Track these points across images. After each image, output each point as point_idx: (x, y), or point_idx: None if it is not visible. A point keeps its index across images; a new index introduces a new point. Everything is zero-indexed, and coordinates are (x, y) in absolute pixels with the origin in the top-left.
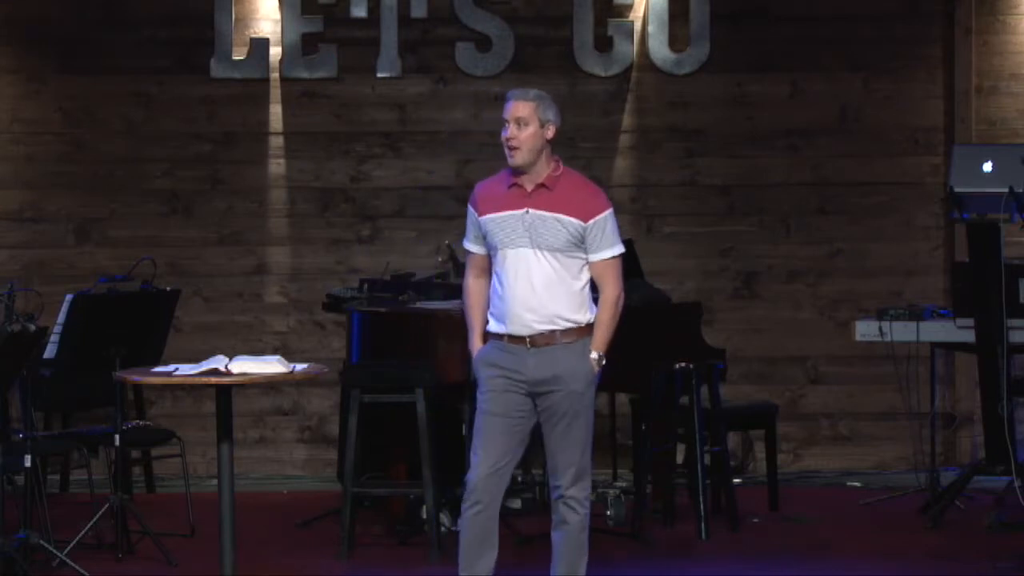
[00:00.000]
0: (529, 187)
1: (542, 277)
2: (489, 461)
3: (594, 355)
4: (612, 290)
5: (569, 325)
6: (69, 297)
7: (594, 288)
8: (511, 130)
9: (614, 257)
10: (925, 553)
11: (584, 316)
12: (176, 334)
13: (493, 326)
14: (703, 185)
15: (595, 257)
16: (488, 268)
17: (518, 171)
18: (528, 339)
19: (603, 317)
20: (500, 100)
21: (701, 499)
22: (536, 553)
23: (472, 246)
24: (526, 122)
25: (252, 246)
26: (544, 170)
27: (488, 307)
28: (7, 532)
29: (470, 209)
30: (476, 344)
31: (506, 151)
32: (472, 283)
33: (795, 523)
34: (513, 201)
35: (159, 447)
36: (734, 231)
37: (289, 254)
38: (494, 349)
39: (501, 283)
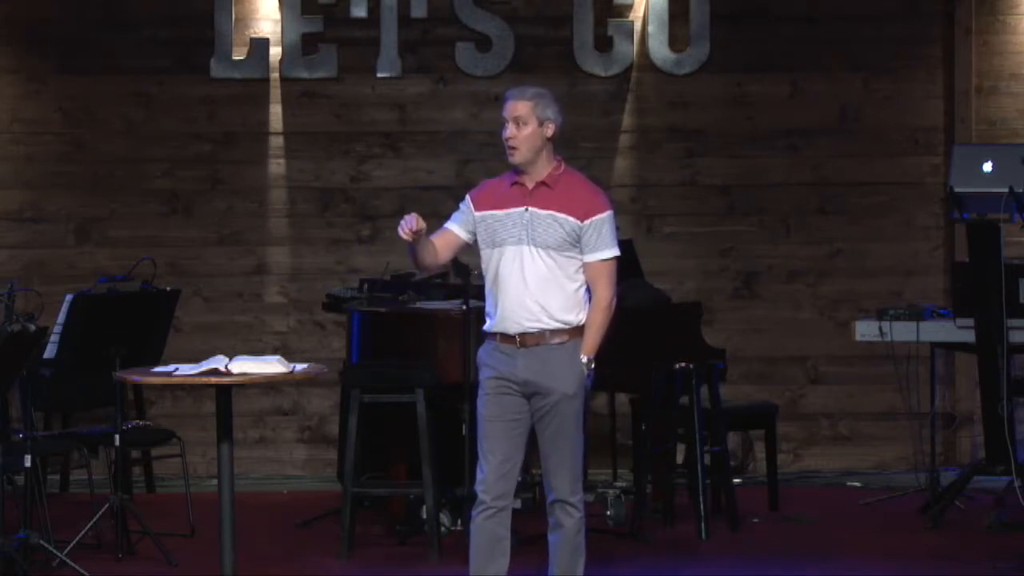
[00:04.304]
0: (530, 185)
1: (535, 274)
2: (494, 464)
3: (584, 359)
4: (605, 293)
5: (559, 325)
6: (69, 297)
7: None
8: (510, 129)
9: (609, 259)
10: (925, 553)
11: (576, 317)
12: (176, 334)
13: (488, 325)
14: (703, 185)
15: (590, 258)
16: (449, 247)
17: (520, 170)
18: (518, 338)
19: (594, 320)
20: (500, 100)
21: (701, 499)
22: (535, 553)
23: (452, 226)
24: (524, 121)
25: (252, 246)
26: (545, 168)
27: (433, 252)
28: (7, 532)
29: (467, 200)
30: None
31: (506, 150)
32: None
33: (795, 523)
34: (514, 199)
35: (159, 447)
36: (734, 231)
37: (289, 254)
38: (489, 350)
39: (496, 280)
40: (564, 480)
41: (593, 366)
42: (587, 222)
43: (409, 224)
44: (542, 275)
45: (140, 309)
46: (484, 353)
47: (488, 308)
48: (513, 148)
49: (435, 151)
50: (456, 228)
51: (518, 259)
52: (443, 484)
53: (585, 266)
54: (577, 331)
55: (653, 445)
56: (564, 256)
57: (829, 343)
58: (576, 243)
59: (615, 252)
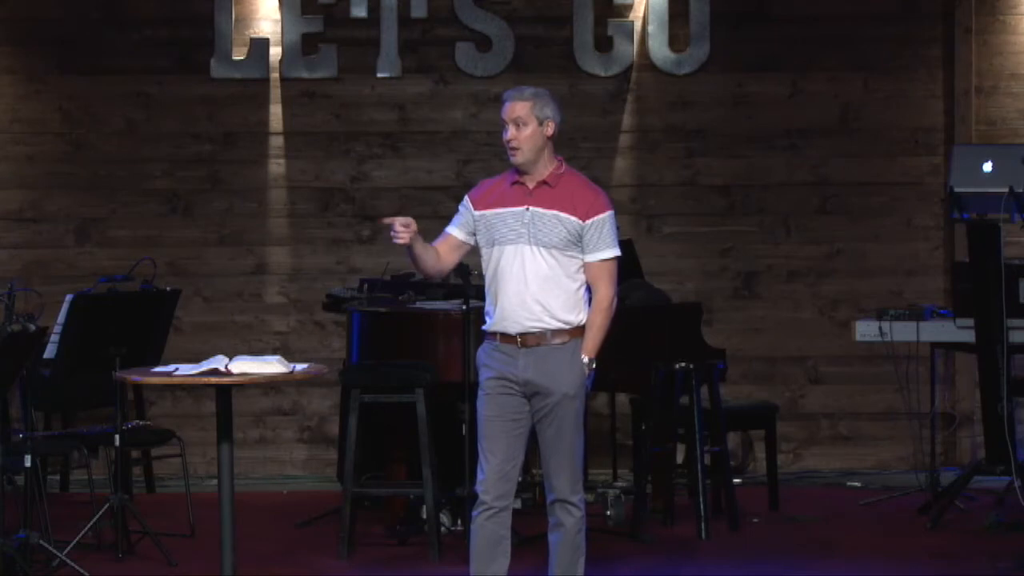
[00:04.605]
0: (531, 185)
1: (537, 274)
2: (495, 464)
3: (584, 359)
4: (605, 293)
5: (560, 325)
6: (69, 297)
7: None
8: (511, 131)
9: (610, 259)
10: (925, 553)
11: (577, 317)
12: (176, 334)
13: (487, 324)
14: (703, 185)
15: (591, 258)
16: (452, 251)
17: (521, 170)
18: (519, 338)
19: (595, 320)
20: (500, 100)
21: (701, 499)
22: (535, 553)
23: (452, 229)
24: (524, 122)
25: (252, 246)
26: (546, 168)
27: (435, 257)
28: (7, 532)
29: (466, 200)
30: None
31: (508, 151)
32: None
33: (795, 523)
34: (515, 198)
35: (159, 447)
36: (734, 231)
37: (289, 254)
38: (489, 350)
39: (496, 279)
40: (565, 480)
41: (594, 366)
42: (589, 222)
43: (396, 231)
44: (544, 275)
45: (140, 309)
46: (484, 353)
47: (488, 307)
48: (515, 149)
49: (435, 151)
50: (457, 231)
51: (519, 258)
52: (443, 484)
53: (586, 266)
54: (578, 331)
55: (653, 445)
56: (566, 256)
57: (829, 343)
58: (578, 242)
59: (616, 252)
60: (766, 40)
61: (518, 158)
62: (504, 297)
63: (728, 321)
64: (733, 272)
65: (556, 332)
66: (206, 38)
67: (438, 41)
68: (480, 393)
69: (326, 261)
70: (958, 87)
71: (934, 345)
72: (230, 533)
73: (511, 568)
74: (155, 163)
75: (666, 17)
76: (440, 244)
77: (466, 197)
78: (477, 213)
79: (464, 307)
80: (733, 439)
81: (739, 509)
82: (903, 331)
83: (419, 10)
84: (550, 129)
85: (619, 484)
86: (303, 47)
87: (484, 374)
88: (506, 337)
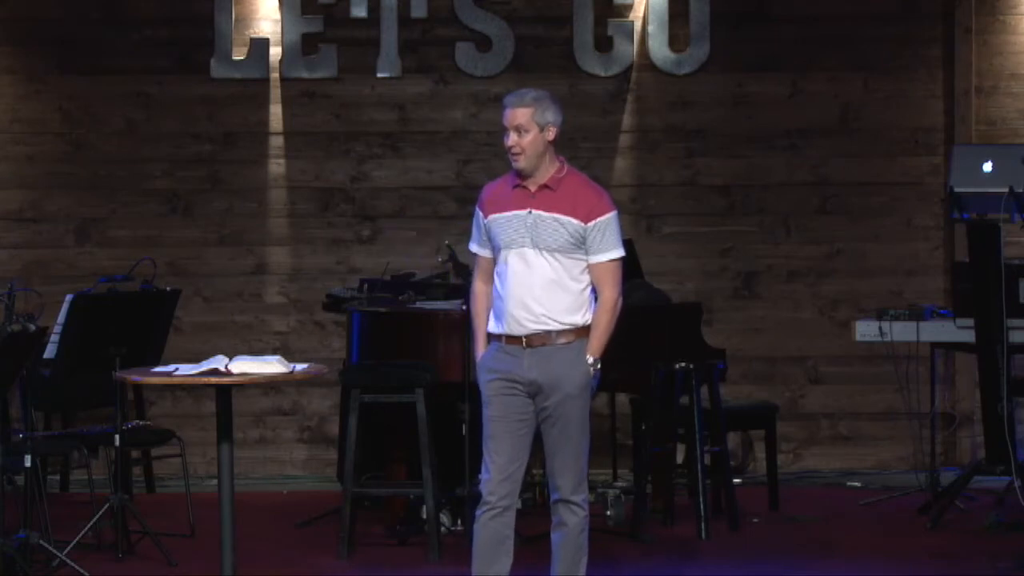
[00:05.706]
0: (533, 188)
1: (542, 277)
2: (500, 464)
3: (589, 360)
4: (610, 294)
5: (566, 327)
6: (69, 297)
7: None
8: (512, 138)
9: (613, 260)
10: (925, 553)
11: (582, 318)
12: (176, 334)
13: (492, 326)
14: (703, 185)
15: (594, 259)
16: (492, 269)
17: (523, 174)
18: (524, 339)
19: (600, 321)
20: (500, 100)
21: (701, 499)
22: (536, 553)
23: (479, 249)
24: (525, 129)
25: (252, 246)
26: (548, 171)
27: (490, 294)
28: (7, 532)
29: (477, 211)
30: (480, 351)
31: (510, 157)
32: (479, 287)
33: (795, 523)
34: (517, 201)
35: (159, 447)
36: (734, 231)
37: (289, 254)
38: (493, 351)
39: (501, 282)
40: (569, 479)
41: (599, 367)
42: (591, 224)
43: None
44: (548, 277)
45: (140, 309)
46: (488, 355)
47: (493, 309)
48: (517, 155)
49: (435, 151)
50: (482, 250)
51: (523, 261)
52: (443, 484)
53: (590, 267)
54: (583, 331)
55: (653, 445)
56: (569, 258)
57: (829, 343)
58: (580, 245)
59: (620, 253)
60: (766, 40)
61: (520, 163)
62: (509, 300)
63: (728, 321)
64: (733, 272)
65: (561, 333)
66: (206, 38)
67: (438, 41)
68: (484, 393)
69: (326, 261)
70: (958, 87)
71: (934, 345)
72: (230, 533)
73: (513, 568)
74: (155, 163)
75: (666, 17)
76: (482, 272)
77: (476, 209)
78: (485, 220)
79: (464, 307)
80: (733, 439)
81: (739, 509)
82: (903, 331)
83: (419, 10)
84: (551, 134)
85: (619, 484)
86: (303, 47)
87: (488, 376)
88: (511, 338)
